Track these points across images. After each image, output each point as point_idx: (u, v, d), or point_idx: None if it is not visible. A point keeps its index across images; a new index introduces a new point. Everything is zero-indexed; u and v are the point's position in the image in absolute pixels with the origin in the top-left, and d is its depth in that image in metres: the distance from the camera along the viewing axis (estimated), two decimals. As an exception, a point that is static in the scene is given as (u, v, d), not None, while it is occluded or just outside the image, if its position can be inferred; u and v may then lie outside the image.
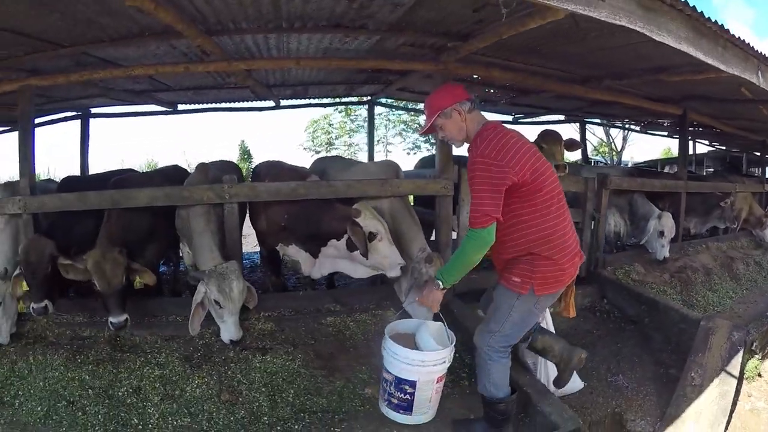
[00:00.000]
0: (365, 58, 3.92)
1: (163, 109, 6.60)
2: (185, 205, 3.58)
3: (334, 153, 18.35)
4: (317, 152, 18.74)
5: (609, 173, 4.75)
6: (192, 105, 6.75)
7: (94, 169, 6.25)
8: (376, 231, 3.27)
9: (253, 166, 4.34)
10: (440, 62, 3.82)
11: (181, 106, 6.73)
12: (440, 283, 2.19)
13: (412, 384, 2.32)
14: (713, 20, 2.50)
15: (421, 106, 7.47)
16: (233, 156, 18.26)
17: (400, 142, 18.33)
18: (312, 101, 7.81)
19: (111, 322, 3.06)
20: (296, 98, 6.94)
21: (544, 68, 4.34)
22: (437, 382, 2.39)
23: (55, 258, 3.19)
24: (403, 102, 8.05)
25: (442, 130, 2.30)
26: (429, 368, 2.33)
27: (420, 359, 2.32)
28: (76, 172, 6.14)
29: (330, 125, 19.17)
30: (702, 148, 10.60)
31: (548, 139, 4.47)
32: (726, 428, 2.68)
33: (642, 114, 6.74)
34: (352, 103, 8.55)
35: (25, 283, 3.16)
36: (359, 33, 3.34)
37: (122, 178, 4.06)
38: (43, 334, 3.34)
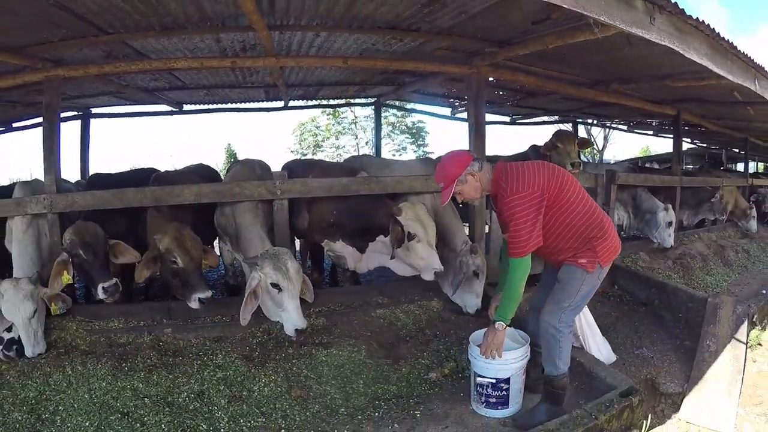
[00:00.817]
0: (404, 59, 4.22)
1: (169, 109, 6.74)
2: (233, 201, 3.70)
3: (320, 156, 18.64)
4: (304, 155, 18.96)
5: (617, 170, 5.31)
6: (198, 105, 6.93)
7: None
8: (414, 233, 3.51)
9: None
10: (473, 66, 4.25)
11: (186, 107, 6.88)
12: (502, 324, 2.52)
13: (507, 381, 2.64)
14: (725, 38, 3.04)
15: (427, 108, 7.91)
16: (219, 160, 18.27)
17: (387, 144, 18.81)
18: (320, 102, 8.11)
19: (200, 298, 3.09)
20: (306, 99, 7.21)
21: (561, 73, 4.85)
22: (522, 374, 2.76)
23: (107, 240, 3.27)
24: (410, 103, 8.37)
25: (461, 194, 2.60)
26: (518, 364, 2.67)
27: (513, 357, 2.64)
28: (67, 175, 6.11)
29: (317, 128, 19.48)
30: (683, 145, 11.52)
31: (563, 138, 5.02)
32: (741, 385, 3.20)
33: (637, 114, 7.41)
34: (359, 104, 8.87)
35: (67, 275, 3.13)
36: (409, 35, 3.62)
37: (162, 175, 4.21)
38: (74, 343, 3.15)
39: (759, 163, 12.51)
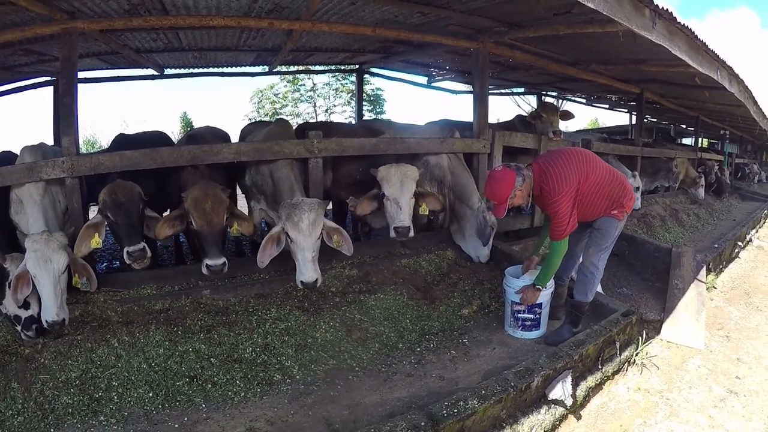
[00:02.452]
0: (424, 32, 4.69)
1: (150, 73, 6.71)
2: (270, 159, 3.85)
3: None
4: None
5: (591, 139, 6.19)
6: (180, 69, 6.96)
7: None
8: (383, 192, 3.79)
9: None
10: (480, 42, 4.83)
11: (168, 71, 6.86)
12: (540, 287, 3.24)
13: (540, 306, 3.34)
14: (699, 38, 3.86)
15: (411, 77, 8.40)
16: (175, 127, 17.72)
17: (345, 110, 19.17)
18: (308, 68, 8.29)
19: (207, 265, 3.01)
20: (295, 64, 7.48)
21: (549, 52, 5.56)
22: (549, 300, 3.44)
23: (144, 202, 3.19)
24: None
25: (514, 204, 3.21)
26: (548, 291, 3.37)
27: (548, 285, 3.31)
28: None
29: (276, 95, 19.43)
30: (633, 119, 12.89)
31: (547, 109, 5.81)
32: (705, 314, 4.15)
33: (601, 90, 8.38)
34: (343, 71, 9.17)
35: (97, 238, 3.02)
36: (436, 11, 4.08)
37: (194, 134, 4.44)
38: (105, 316, 3.07)
39: (704, 139, 14.28)
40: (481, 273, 4.22)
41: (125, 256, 3.02)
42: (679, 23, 3.39)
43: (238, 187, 4.69)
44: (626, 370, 3.42)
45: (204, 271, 3.09)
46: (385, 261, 4.21)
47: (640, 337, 3.54)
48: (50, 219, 3.26)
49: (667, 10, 3.12)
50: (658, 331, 4.04)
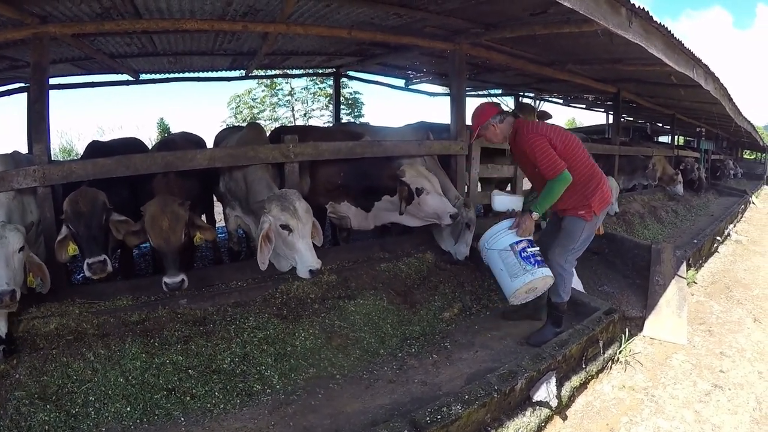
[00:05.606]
0: (400, 34, 4.66)
1: (125, 78, 6.59)
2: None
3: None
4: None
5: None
6: (155, 75, 6.84)
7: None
8: (421, 187, 4.01)
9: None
10: (456, 43, 4.83)
11: (143, 76, 6.75)
12: (536, 214, 3.12)
13: (532, 242, 3.21)
14: (675, 37, 3.90)
15: (388, 80, 8.39)
16: (152, 133, 17.48)
17: (323, 114, 19.14)
18: (276, 71, 8.25)
19: (165, 283, 2.95)
20: (270, 68, 7.41)
21: (525, 52, 5.59)
22: None
23: (108, 211, 3.07)
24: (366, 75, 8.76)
25: (485, 137, 3.37)
26: None
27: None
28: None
29: (254, 100, 19.31)
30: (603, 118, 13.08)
31: (525, 110, 5.87)
32: (686, 309, 4.19)
33: (578, 90, 8.48)
34: (320, 74, 9.12)
35: (73, 245, 3.00)
36: (413, 12, 4.04)
37: (168, 140, 4.35)
38: (81, 328, 2.96)
39: (680, 136, 14.59)
40: (462, 275, 4.21)
41: (85, 267, 2.93)
42: (655, 22, 3.43)
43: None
44: (610, 368, 3.43)
45: (163, 287, 3.02)
46: (365, 266, 4.18)
47: (623, 335, 3.54)
48: (15, 221, 3.11)
49: (643, 9, 3.15)
50: (641, 328, 4.06)
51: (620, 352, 3.48)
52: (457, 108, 5.02)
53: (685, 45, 4.11)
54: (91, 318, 3.06)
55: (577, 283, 4.24)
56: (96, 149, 4.40)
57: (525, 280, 3.08)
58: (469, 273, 4.24)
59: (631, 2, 3.05)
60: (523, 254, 3.12)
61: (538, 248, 3.21)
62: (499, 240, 3.22)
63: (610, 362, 3.43)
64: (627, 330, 3.70)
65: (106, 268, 2.95)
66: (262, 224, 3.04)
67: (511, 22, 4.20)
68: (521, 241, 3.16)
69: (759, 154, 26.92)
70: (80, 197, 3.00)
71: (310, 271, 2.99)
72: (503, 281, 3.22)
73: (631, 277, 4.91)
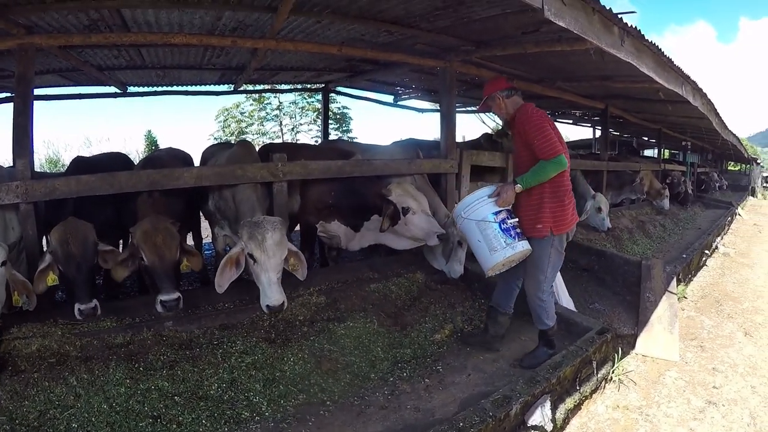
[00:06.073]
0: (390, 51, 4.67)
1: (113, 91, 6.53)
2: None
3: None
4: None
5: (560, 155, 6.26)
6: (143, 87, 6.81)
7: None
8: (407, 206, 3.96)
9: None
10: (447, 60, 4.86)
11: (131, 89, 6.72)
12: (520, 186, 2.97)
13: (511, 212, 3.06)
14: (665, 55, 3.96)
15: (377, 96, 8.41)
16: (139, 146, 17.31)
17: (311, 129, 19.18)
18: (265, 86, 8.27)
19: (161, 301, 2.88)
20: (259, 83, 7.39)
21: (516, 70, 5.63)
22: None
23: (96, 245, 2.98)
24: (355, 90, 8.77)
25: (490, 108, 3.34)
26: None
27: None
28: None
29: (242, 114, 19.33)
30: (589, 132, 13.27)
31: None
32: (677, 326, 4.19)
33: (565, 106, 8.56)
34: (309, 90, 9.11)
35: (53, 275, 2.88)
36: (405, 30, 4.04)
37: (153, 157, 4.24)
38: (64, 351, 2.89)
39: (664, 150, 14.83)
40: (453, 296, 4.17)
41: (75, 311, 2.84)
42: (647, 41, 3.47)
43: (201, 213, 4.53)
44: (604, 388, 3.39)
45: (158, 308, 2.94)
46: (354, 286, 4.11)
47: (615, 354, 3.52)
48: None
49: (635, 27, 3.18)
50: (633, 346, 4.04)
51: (613, 371, 3.46)
52: (447, 125, 5.03)
53: (674, 62, 4.17)
54: (74, 340, 2.98)
55: (568, 302, 4.23)
56: (80, 165, 4.27)
57: (506, 254, 2.96)
58: (459, 293, 4.20)
59: (624, 21, 3.08)
60: (503, 226, 2.98)
61: (517, 219, 3.05)
62: (479, 209, 3.04)
63: (603, 382, 3.40)
64: (620, 348, 3.68)
65: (97, 313, 2.90)
66: (234, 247, 3.01)
67: (503, 40, 4.21)
68: (501, 211, 3.01)
69: (743, 165, 27.42)
70: (71, 237, 2.87)
71: (268, 306, 2.95)
72: (481, 254, 3.07)
73: (622, 293, 4.91)
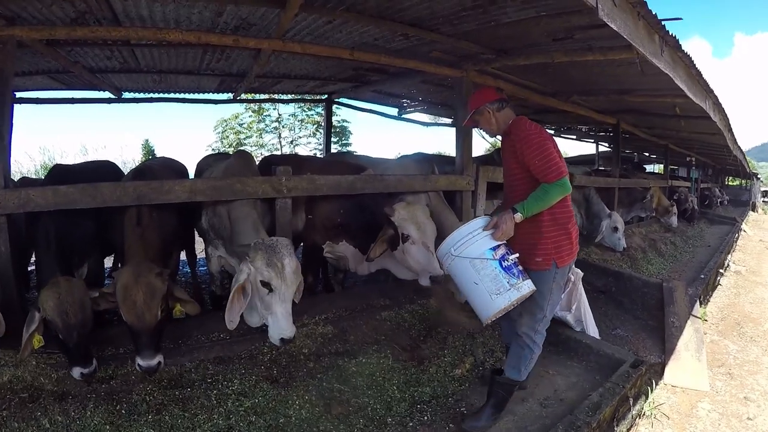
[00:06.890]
0: (405, 57, 4.38)
1: (107, 96, 6.25)
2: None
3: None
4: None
5: (573, 172, 6.06)
6: (139, 93, 6.53)
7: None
8: (407, 234, 3.52)
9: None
10: (463, 70, 4.62)
11: (126, 95, 6.43)
12: (520, 215, 2.51)
13: (509, 246, 2.58)
14: (697, 67, 3.77)
15: (381, 108, 8.17)
16: (136, 155, 16.93)
17: (310, 142, 19.02)
18: (264, 95, 8.01)
19: (140, 365, 2.56)
20: (260, 92, 7.14)
21: (533, 83, 5.43)
22: None
23: (90, 301, 2.69)
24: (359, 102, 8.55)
25: (479, 123, 2.89)
26: None
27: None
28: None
29: (240, 125, 19.14)
30: (592, 148, 13.10)
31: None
32: (704, 352, 3.95)
33: (579, 121, 8.39)
34: (311, 100, 8.86)
35: (39, 336, 2.57)
36: (424, 33, 3.75)
37: (143, 168, 3.80)
38: (38, 383, 2.60)
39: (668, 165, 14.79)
40: (472, 325, 3.84)
41: (76, 374, 2.57)
42: (682, 51, 3.25)
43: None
44: (638, 425, 3.13)
45: (137, 367, 2.61)
46: (364, 314, 3.76)
47: (649, 388, 3.28)
48: None
49: (673, 36, 2.95)
50: (661, 375, 3.79)
51: (647, 406, 3.21)
52: (464, 141, 4.78)
53: (703, 75, 3.97)
54: (50, 371, 2.67)
55: (594, 332, 3.94)
56: (60, 174, 3.75)
57: (511, 297, 2.47)
58: (478, 321, 3.88)
59: (666, 29, 2.83)
60: (503, 263, 2.49)
61: (517, 255, 2.56)
62: (473, 245, 2.54)
63: (637, 418, 3.15)
64: (653, 381, 3.44)
65: (95, 374, 2.64)
66: (239, 273, 2.67)
67: (528, 48, 3.97)
68: (499, 246, 2.54)
69: (742, 180, 27.48)
70: (69, 305, 2.55)
71: (282, 339, 2.68)
72: (479, 299, 2.55)
73: (643, 317, 4.68)
